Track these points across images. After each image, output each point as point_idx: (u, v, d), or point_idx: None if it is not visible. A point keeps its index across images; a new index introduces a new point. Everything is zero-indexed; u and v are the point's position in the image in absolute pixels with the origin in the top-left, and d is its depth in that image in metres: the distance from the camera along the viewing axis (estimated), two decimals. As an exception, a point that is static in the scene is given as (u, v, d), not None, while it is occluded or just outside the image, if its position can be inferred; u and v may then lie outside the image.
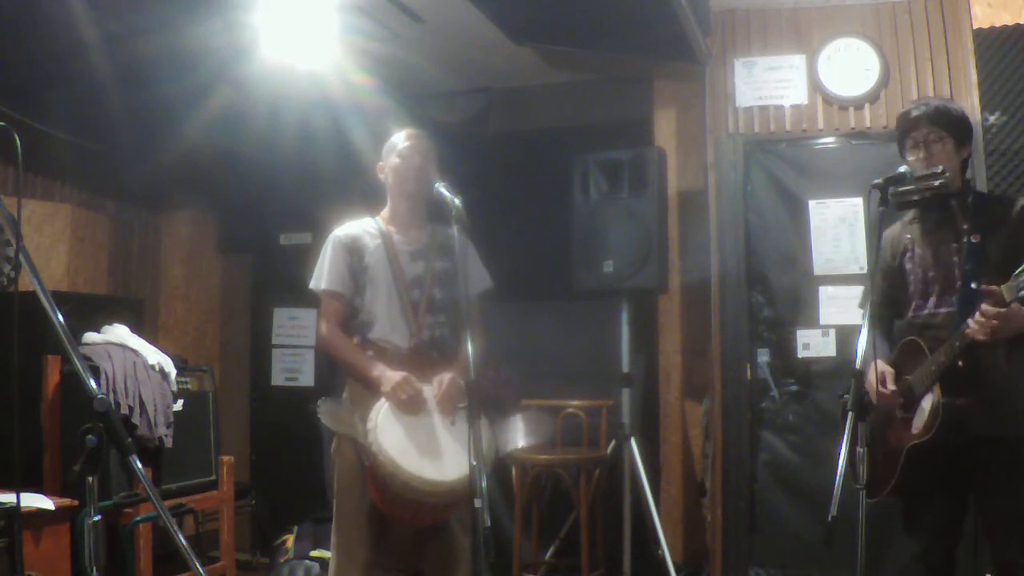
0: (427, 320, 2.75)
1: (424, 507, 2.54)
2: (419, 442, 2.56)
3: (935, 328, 2.52)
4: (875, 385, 2.49)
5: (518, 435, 2.72)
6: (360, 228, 2.83)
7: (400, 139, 2.84)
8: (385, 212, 2.89)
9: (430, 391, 2.66)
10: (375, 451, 2.49)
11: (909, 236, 2.64)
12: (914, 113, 2.57)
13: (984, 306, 2.25)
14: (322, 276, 2.77)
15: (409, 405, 2.59)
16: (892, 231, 2.71)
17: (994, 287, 2.24)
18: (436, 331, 2.76)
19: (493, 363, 4.24)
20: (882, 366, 2.54)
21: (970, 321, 2.28)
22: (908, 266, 2.62)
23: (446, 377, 2.66)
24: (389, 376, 2.61)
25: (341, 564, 2.67)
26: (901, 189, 2.45)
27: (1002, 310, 2.23)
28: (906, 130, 2.59)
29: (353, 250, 2.77)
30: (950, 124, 2.54)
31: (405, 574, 2.83)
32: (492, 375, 4.31)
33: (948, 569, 2.53)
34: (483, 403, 2.36)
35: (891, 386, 2.52)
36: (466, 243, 2.56)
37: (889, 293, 2.69)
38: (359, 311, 2.77)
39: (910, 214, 2.68)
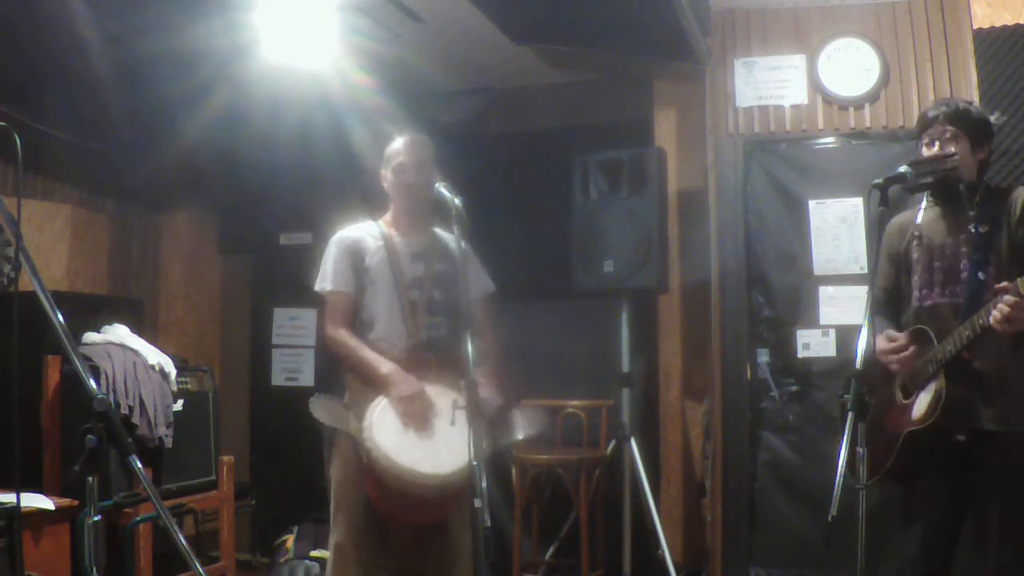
0: (426, 321, 2.77)
1: (420, 501, 2.54)
2: (415, 436, 2.57)
3: (939, 318, 2.52)
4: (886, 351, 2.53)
5: (515, 428, 2.73)
6: (362, 231, 2.86)
7: (396, 152, 2.86)
8: (387, 215, 2.92)
9: (433, 390, 2.67)
10: (370, 446, 2.50)
11: (918, 222, 2.65)
12: (931, 113, 2.60)
13: (1007, 296, 2.24)
14: (327, 278, 2.79)
15: (414, 419, 2.59)
16: (901, 217, 2.73)
17: (1008, 283, 2.24)
18: (434, 332, 2.78)
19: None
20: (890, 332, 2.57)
21: (994, 311, 2.27)
22: (915, 254, 2.63)
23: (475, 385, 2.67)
24: (401, 386, 2.62)
25: (339, 563, 2.67)
26: (916, 171, 2.44)
27: (1021, 300, 2.22)
28: (923, 128, 2.62)
29: (355, 251, 2.80)
30: (966, 124, 2.56)
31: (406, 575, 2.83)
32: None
33: (945, 571, 2.52)
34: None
35: (901, 340, 2.54)
36: (467, 248, 2.57)
37: (897, 280, 2.71)
38: (360, 311, 2.79)
39: (921, 204, 2.68)
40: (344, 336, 2.75)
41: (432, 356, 2.76)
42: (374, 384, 2.67)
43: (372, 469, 2.53)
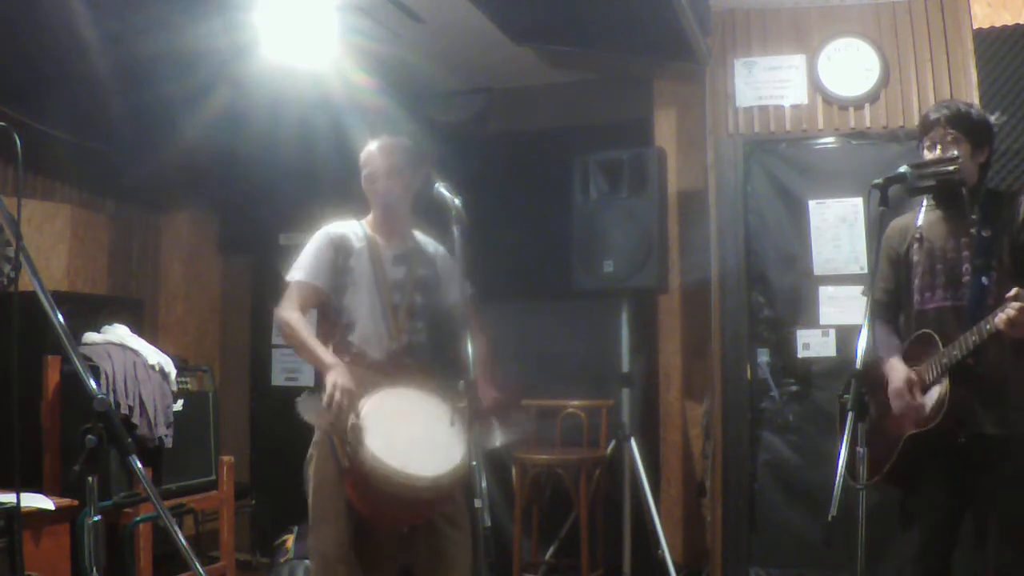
0: (406, 325, 2.75)
1: (405, 503, 2.51)
2: (403, 437, 2.54)
3: (941, 322, 2.52)
4: (902, 392, 2.49)
5: (494, 434, 2.69)
6: (347, 228, 2.83)
7: (364, 162, 2.83)
8: (369, 217, 2.90)
9: (417, 393, 2.64)
10: (357, 447, 2.48)
11: (919, 225, 2.65)
12: (933, 115, 2.60)
13: (1016, 302, 2.23)
14: (302, 267, 2.75)
15: (336, 410, 2.49)
16: (901, 220, 2.72)
17: (1017, 290, 2.23)
18: (414, 337, 2.76)
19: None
20: (906, 370, 2.53)
21: (1002, 315, 2.26)
22: (915, 257, 2.62)
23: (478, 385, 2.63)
24: (339, 379, 2.52)
25: (320, 569, 2.62)
26: (917, 173, 2.43)
27: None
28: (924, 131, 2.61)
29: (340, 248, 2.77)
30: (967, 127, 2.56)
31: None
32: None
33: (944, 571, 2.52)
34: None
35: (919, 398, 2.49)
36: (454, 249, 2.54)
37: (897, 282, 2.70)
38: (341, 312, 2.76)
39: (922, 206, 2.68)
40: (296, 320, 2.67)
41: (412, 361, 2.74)
42: (320, 372, 2.60)
43: (358, 471, 2.49)
